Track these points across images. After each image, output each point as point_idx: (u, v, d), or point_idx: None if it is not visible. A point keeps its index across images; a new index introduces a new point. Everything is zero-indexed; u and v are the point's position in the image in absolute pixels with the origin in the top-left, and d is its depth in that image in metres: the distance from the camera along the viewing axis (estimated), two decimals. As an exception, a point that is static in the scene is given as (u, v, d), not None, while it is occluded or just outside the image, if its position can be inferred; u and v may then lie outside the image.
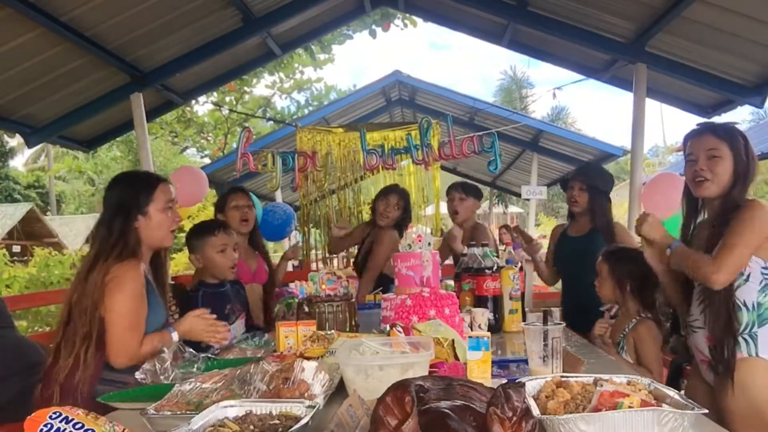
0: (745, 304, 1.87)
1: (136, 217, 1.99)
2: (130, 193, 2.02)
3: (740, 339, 1.87)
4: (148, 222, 2.01)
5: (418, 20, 9.40)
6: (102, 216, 2.02)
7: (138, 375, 1.77)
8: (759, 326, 1.86)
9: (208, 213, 11.37)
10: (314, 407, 1.25)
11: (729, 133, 2.01)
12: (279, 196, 8.26)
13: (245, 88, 12.23)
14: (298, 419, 1.20)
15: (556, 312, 1.85)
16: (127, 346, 1.89)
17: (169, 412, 1.37)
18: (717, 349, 1.90)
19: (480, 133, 4.14)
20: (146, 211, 2.01)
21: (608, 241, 3.01)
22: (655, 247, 2.16)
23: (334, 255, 6.14)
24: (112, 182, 2.11)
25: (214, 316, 2.16)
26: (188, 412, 1.35)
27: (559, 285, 3.45)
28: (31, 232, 21.46)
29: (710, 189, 2.01)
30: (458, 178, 7.09)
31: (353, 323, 2.46)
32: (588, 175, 3.20)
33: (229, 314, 2.58)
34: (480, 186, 4.97)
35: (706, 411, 1.13)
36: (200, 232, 2.68)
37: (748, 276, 1.87)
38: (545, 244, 3.66)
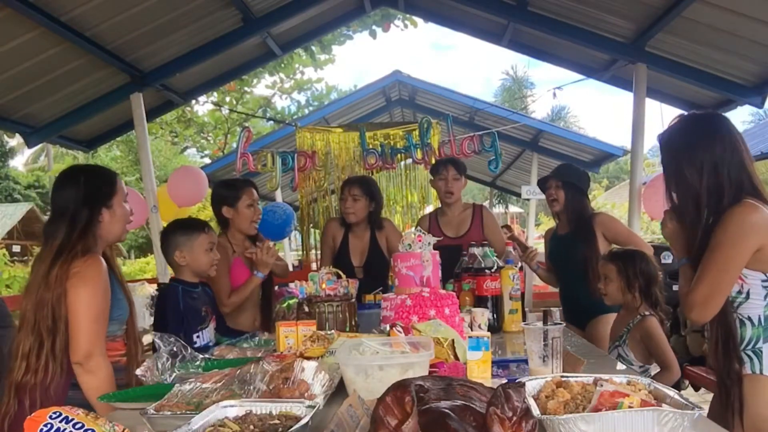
0: (749, 319, 1.73)
1: (101, 211, 1.94)
2: (96, 185, 1.96)
3: (743, 354, 1.73)
4: (112, 215, 1.97)
5: (419, 20, 9.40)
6: (61, 210, 1.92)
7: (138, 372, 1.77)
8: (764, 341, 1.71)
9: (209, 213, 11.36)
10: (314, 407, 1.25)
11: (659, 139, 1.90)
12: (279, 196, 8.26)
13: (245, 88, 12.21)
14: (298, 419, 1.20)
15: (556, 312, 1.83)
16: (90, 338, 1.83)
17: (169, 412, 1.37)
18: (719, 363, 1.78)
19: (480, 133, 4.15)
20: (111, 204, 1.97)
21: (583, 238, 3.07)
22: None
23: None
24: (68, 176, 2.00)
25: None
26: (188, 412, 1.35)
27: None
28: (31, 232, 21.38)
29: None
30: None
31: (353, 323, 2.45)
32: (562, 173, 3.26)
33: (205, 316, 2.54)
34: (480, 186, 4.96)
35: (706, 411, 1.13)
36: (188, 229, 2.60)
37: (748, 293, 1.72)
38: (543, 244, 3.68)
